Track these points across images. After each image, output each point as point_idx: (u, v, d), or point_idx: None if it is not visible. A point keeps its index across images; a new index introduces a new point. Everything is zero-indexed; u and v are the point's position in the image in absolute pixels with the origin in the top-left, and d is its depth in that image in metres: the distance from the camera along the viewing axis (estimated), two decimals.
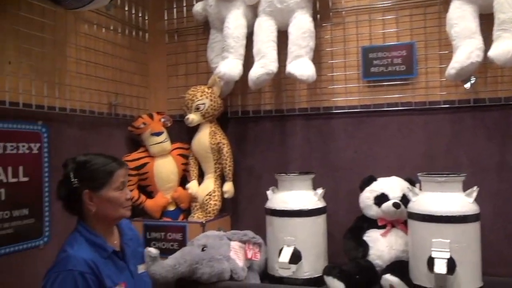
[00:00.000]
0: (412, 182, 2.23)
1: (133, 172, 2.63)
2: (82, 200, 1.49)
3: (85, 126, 2.44)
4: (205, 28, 2.91)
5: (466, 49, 2.14)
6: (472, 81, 2.32)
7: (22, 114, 2.05)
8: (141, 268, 1.64)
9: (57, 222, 2.21)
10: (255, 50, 2.50)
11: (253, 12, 2.62)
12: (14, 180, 2.01)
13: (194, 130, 2.76)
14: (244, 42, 2.55)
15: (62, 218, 2.22)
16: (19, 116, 2.04)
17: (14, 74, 2.01)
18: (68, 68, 2.33)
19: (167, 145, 2.72)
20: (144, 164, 2.67)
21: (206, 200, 2.67)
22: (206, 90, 2.69)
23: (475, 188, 1.98)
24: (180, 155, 2.80)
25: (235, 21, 2.54)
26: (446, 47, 2.37)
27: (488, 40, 2.13)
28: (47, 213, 2.16)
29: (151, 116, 2.72)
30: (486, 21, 2.18)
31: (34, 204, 2.11)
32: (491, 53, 2.06)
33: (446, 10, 2.29)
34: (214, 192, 2.68)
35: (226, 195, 2.68)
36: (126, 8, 2.80)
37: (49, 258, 2.14)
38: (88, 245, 1.47)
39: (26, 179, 2.07)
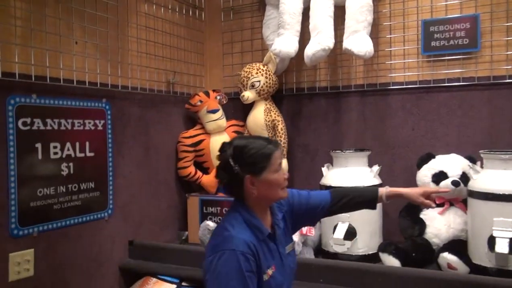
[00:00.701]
0: (473, 159, 2.16)
1: (190, 149, 2.71)
2: (243, 184, 1.46)
3: (145, 104, 2.53)
4: (260, 5, 2.91)
5: None
6: None
7: (88, 92, 2.16)
8: (288, 248, 1.59)
9: (119, 195, 2.33)
10: (311, 26, 2.48)
11: None
12: (81, 155, 2.13)
13: (249, 107, 2.79)
14: (300, 18, 2.54)
15: (124, 192, 2.36)
16: (86, 94, 2.15)
17: (80, 53, 2.11)
18: (129, 47, 2.41)
19: (223, 122, 2.77)
20: (201, 141, 2.74)
21: None
22: (261, 67, 2.70)
23: None
24: (235, 131, 2.85)
25: None
26: None
27: None
28: (111, 186, 2.28)
29: (207, 94, 2.77)
30: None
31: (99, 178, 2.23)
32: None
33: None
34: None
35: None
36: None
37: (113, 229, 2.29)
38: (247, 226, 1.44)
39: (92, 154, 2.18)
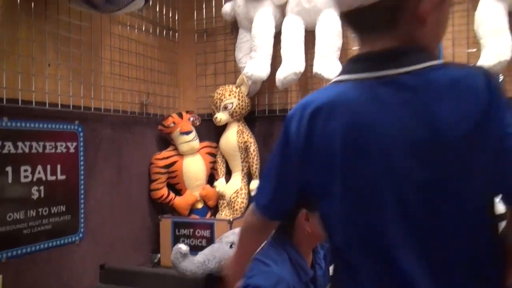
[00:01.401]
0: None
1: (163, 171, 2.72)
2: (296, 219, 1.37)
3: (118, 125, 2.53)
4: (233, 28, 2.96)
5: (494, 48, 2.14)
6: (501, 80, 2.31)
7: (60, 115, 2.15)
8: None
9: (91, 218, 2.31)
10: (282, 49, 2.54)
11: (281, 12, 2.66)
12: (53, 178, 2.11)
13: (222, 128, 2.82)
14: (272, 41, 2.60)
15: (95, 215, 2.34)
16: (58, 116, 2.14)
17: (53, 76, 2.11)
18: (102, 69, 2.42)
19: (196, 143, 2.79)
20: (174, 163, 2.75)
21: (233, 198, 2.74)
22: (234, 89, 2.74)
23: None
24: (208, 153, 2.87)
25: (263, 21, 2.58)
26: (474, 45, 2.37)
27: None
28: (82, 210, 2.26)
29: (180, 116, 2.79)
30: None
31: (70, 201, 2.20)
32: None
33: (474, 7, 2.29)
34: (241, 190, 2.74)
35: (253, 193, 2.74)
36: (157, 9, 2.87)
37: (84, 253, 2.26)
38: (291, 265, 1.34)
39: (63, 177, 2.16)
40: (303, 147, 0.93)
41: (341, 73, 0.93)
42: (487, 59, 2.14)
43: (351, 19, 0.91)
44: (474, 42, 2.33)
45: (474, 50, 2.35)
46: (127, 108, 2.58)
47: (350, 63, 0.92)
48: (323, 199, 0.93)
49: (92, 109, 2.32)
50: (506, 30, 2.17)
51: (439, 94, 0.80)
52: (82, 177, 2.27)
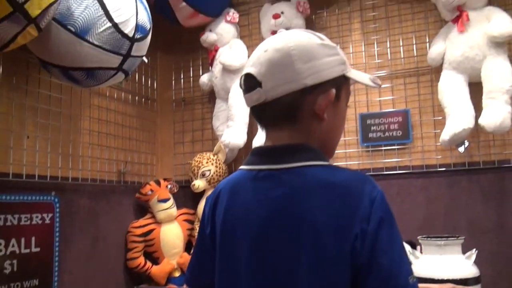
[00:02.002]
0: (413, 244, 2.27)
1: (140, 239, 2.69)
2: None
3: (95, 195, 2.53)
4: (210, 97, 3.07)
5: (458, 116, 2.26)
6: (466, 145, 2.43)
7: (37, 186, 2.15)
8: None
9: None
10: None
11: None
12: (27, 251, 2.07)
13: (199, 195, 2.84)
14: (248, 111, 2.69)
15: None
16: (34, 188, 2.14)
17: (31, 148, 2.13)
18: (81, 139, 2.45)
19: (173, 211, 2.79)
20: (151, 231, 2.73)
21: None
22: (212, 157, 2.80)
23: (474, 250, 2.03)
24: (185, 220, 2.87)
25: (239, 92, 2.69)
26: (439, 113, 2.50)
27: (479, 106, 2.26)
28: (56, 283, 2.20)
29: (157, 183, 2.81)
30: (477, 89, 2.31)
31: (44, 274, 2.15)
32: (481, 120, 2.19)
33: (438, 78, 2.45)
34: None
35: None
36: (137, 80, 2.97)
37: None
38: None
39: (37, 249, 2.13)
40: (209, 228, 1.03)
41: (244, 162, 1.02)
42: (452, 127, 2.26)
43: (257, 114, 0.99)
44: (439, 110, 2.46)
45: (440, 118, 2.48)
46: (105, 177, 2.59)
47: (250, 155, 1.01)
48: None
49: (70, 179, 2.33)
50: (467, 100, 2.31)
51: (312, 193, 0.88)
52: (57, 248, 2.23)
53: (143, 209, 2.85)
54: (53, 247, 2.21)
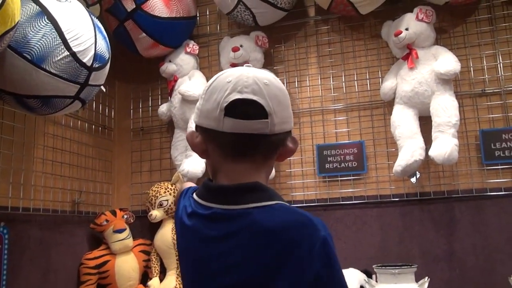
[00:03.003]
0: (369, 273, 2.32)
1: (93, 271, 2.61)
2: None
3: (47, 225, 2.45)
4: (168, 127, 3.06)
5: (409, 148, 2.36)
6: (417, 176, 2.53)
7: None
8: None
9: None
10: None
11: None
12: None
13: (156, 226, 2.80)
14: None
15: None
16: None
17: None
18: (34, 168, 2.39)
19: (129, 241, 2.73)
20: (105, 262, 2.65)
21: None
22: (170, 186, 2.78)
23: (426, 278, 2.09)
24: (141, 251, 2.80)
25: None
26: (392, 145, 2.60)
27: (428, 139, 2.37)
28: None
29: (113, 213, 2.75)
30: (427, 122, 2.43)
31: None
32: (431, 152, 2.29)
33: (390, 112, 2.56)
34: None
35: None
36: (94, 108, 2.93)
37: None
38: None
39: None
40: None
41: (197, 192, 1.01)
42: (404, 159, 2.35)
43: (238, 142, 0.93)
44: (392, 142, 2.56)
45: (393, 149, 2.58)
46: (58, 207, 2.52)
47: (202, 187, 1.00)
48: None
49: (20, 209, 2.25)
50: (418, 133, 2.42)
51: (260, 235, 0.88)
52: (4, 282, 2.13)
53: (98, 240, 2.77)
54: (0, 280, 2.11)
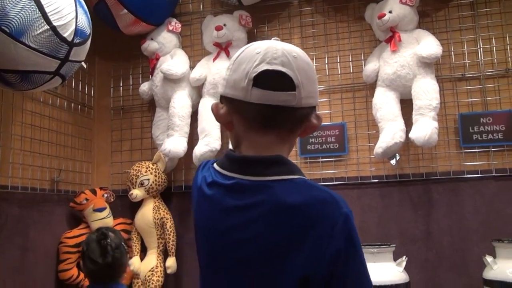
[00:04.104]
0: None
1: (73, 249, 2.58)
2: None
3: (26, 203, 2.41)
4: (150, 106, 3.03)
5: (390, 131, 2.39)
6: (397, 158, 2.57)
7: None
8: None
9: None
10: (199, 128, 2.64)
11: (197, 93, 2.79)
12: None
13: (137, 205, 2.79)
14: (188, 120, 2.69)
15: None
16: None
17: None
18: (12, 145, 2.34)
19: (110, 220, 2.71)
20: None
21: (148, 276, 2.66)
22: (151, 166, 2.76)
23: (404, 257, 2.14)
24: (122, 230, 2.79)
25: (180, 101, 2.68)
26: (373, 127, 2.62)
27: (409, 122, 2.40)
28: None
29: (93, 192, 2.72)
30: (407, 105, 2.46)
31: None
32: (412, 134, 2.32)
33: (372, 94, 2.58)
34: (156, 268, 2.68)
35: (169, 271, 2.68)
36: (73, 86, 2.87)
37: None
38: None
39: None
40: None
41: (218, 162, 0.99)
42: (385, 140, 2.38)
43: (262, 113, 0.92)
44: (374, 124, 2.58)
45: (374, 132, 2.61)
46: (37, 185, 2.48)
47: (225, 158, 0.98)
48: None
49: None
50: (399, 115, 2.45)
51: (280, 209, 0.87)
52: None
53: (77, 219, 2.75)
54: None
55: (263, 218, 0.88)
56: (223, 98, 0.97)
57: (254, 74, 0.89)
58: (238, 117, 0.95)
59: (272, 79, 0.89)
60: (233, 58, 0.95)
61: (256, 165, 0.92)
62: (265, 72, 0.89)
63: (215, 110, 0.98)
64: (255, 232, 0.88)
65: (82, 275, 2.61)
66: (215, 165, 1.00)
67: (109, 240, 1.70)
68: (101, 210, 2.67)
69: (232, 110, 0.95)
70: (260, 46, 0.93)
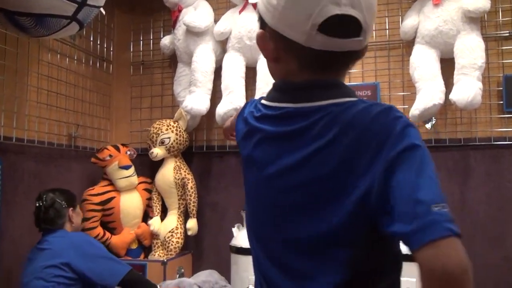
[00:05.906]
0: None
1: (98, 207, 2.50)
2: None
3: (42, 158, 2.32)
4: (171, 61, 2.89)
5: (429, 92, 2.22)
6: (433, 122, 2.40)
7: None
8: None
9: (7, 260, 2.07)
10: (223, 85, 2.49)
11: (221, 48, 2.63)
12: None
13: (157, 164, 2.69)
14: (212, 77, 2.55)
15: (11, 256, 2.10)
16: None
17: None
18: (28, 97, 2.23)
19: (135, 179, 2.62)
20: (110, 199, 2.55)
21: (168, 238, 2.58)
22: (172, 124, 2.64)
23: None
24: (144, 189, 2.71)
25: (203, 56, 2.53)
26: (408, 88, 2.45)
27: (448, 83, 2.22)
28: None
29: (117, 148, 2.61)
30: (447, 65, 2.28)
31: None
32: (453, 96, 2.15)
33: (408, 53, 2.39)
34: (176, 229, 2.60)
35: (189, 233, 2.60)
36: (92, 39, 2.74)
37: None
38: None
39: None
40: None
41: (267, 96, 0.92)
42: (422, 102, 2.21)
43: (325, 59, 0.84)
44: (409, 85, 2.41)
45: (409, 93, 2.44)
46: (54, 139, 2.39)
47: (273, 90, 0.91)
48: None
49: (14, 140, 2.12)
50: (439, 75, 2.27)
51: (337, 125, 0.79)
52: None
53: (95, 176, 2.66)
54: None
55: (318, 137, 0.80)
56: (271, 31, 0.84)
57: (322, 20, 0.77)
58: (290, 57, 0.84)
59: (340, 26, 0.78)
60: None
61: (307, 89, 0.84)
62: (334, 18, 0.77)
63: (260, 42, 0.87)
64: (308, 154, 0.80)
65: (108, 234, 2.55)
66: (262, 100, 0.91)
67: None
68: (127, 167, 2.56)
69: (283, 48, 0.84)
70: None
